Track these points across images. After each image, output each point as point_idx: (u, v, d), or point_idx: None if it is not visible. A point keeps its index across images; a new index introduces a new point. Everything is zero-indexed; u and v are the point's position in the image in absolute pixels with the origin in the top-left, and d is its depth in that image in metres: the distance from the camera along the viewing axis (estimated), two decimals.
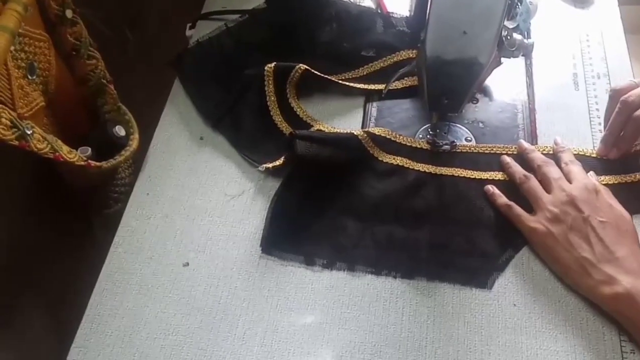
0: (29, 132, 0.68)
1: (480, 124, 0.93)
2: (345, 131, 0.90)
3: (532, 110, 0.94)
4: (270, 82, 0.94)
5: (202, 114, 0.96)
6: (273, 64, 0.94)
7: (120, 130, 0.87)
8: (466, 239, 0.81)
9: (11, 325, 0.81)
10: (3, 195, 0.79)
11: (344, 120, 0.95)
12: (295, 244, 0.81)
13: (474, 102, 0.95)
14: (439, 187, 0.85)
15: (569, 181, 0.80)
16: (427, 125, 0.92)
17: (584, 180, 0.79)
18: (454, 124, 0.92)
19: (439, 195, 0.84)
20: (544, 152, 0.87)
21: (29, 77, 0.74)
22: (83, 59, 0.83)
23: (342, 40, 1.00)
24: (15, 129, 0.66)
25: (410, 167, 0.87)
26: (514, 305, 0.76)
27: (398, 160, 0.87)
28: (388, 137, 0.89)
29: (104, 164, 0.82)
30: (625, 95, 0.83)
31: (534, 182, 0.81)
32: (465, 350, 0.73)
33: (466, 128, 0.92)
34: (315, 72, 0.95)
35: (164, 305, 0.78)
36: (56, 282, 0.88)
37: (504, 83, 0.97)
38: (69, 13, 0.78)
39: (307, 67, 0.94)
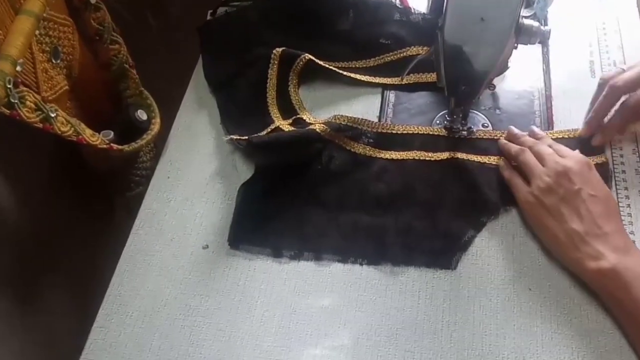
0: (53, 115, 0.69)
1: (497, 111, 0.93)
2: (315, 120, 0.91)
3: (548, 98, 0.94)
4: (275, 65, 0.95)
5: (206, 77, 0.98)
6: (281, 49, 0.95)
7: (142, 115, 0.88)
8: (428, 221, 0.81)
9: (33, 304, 0.82)
10: (27, 177, 0.81)
11: (362, 104, 0.95)
12: (261, 237, 0.82)
13: (491, 88, 0.95)
14: (400, 172, 0.86)
15: (561, 157, 0.80)
16: (444, 112, 0.92)
17: (577, 154, 0.80)
18: (471, 111, 0.91)
19: (401, 180, 0.85)
20: (557, 137, 0.87)
21: (53, 61, 0.75)
22: (106, 43, 0.84)
23: (358, 29, 1.00)
24: (40, 112, 0.67)
25: (373, 155, 0.88)
26: (530, 289, 0.76)
27: (360, 149, 0.88)
28: (350, 124, 0.89)
29: (125, 147, 0.83)
30: (613, 80, 0.83)
31: (529, 154, 0.82)
32: (480, 334, 0.73)
33: (483, 114, 0.93)
34: (320, 62, 0.96)
35: (183, 287, 0.78)
36: (78, 263, 0.90)
37: (521, 70, 0.97)
38: None
39: (311, 57, 0.95)
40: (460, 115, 0.88)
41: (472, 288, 0.77)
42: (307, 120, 0.92)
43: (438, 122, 0.92)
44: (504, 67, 0.89)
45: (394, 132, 0.90)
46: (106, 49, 0.84)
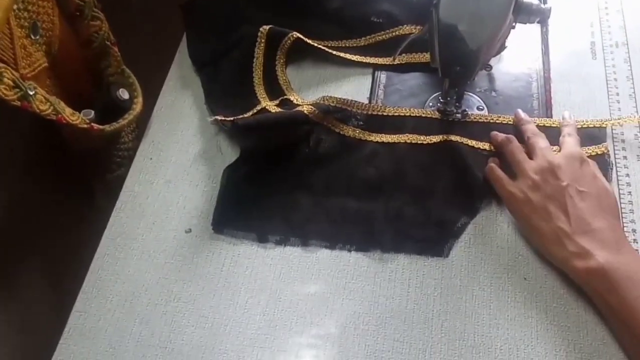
0: (31, 93, 0.67)
1: (493, 93, 0.91)
2: (302, 102, 0.89)
3: (547, 79, 0.92)
4: (261, 43, 0.94)
5: (191, 56, 0.97)
6: (268, 27, 0.94)
7: (123, 94, 0.86)
8: (420, 207, 0.80)
9: (12, 289, 0.81)
10: (4, 157, 0.79)
11: (352, 85, 0.93)
12: (246, 221, 0.80)
13: (487, 69, 0.92)
14: (391, 156, 0.84)
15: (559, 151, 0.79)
16: (438, 93, 0.90)
17: (572, 149, 0.78)
18: (466, 93, 0.89)
19: (392, 164, 0.84)
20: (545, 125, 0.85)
21: (32, 37, 0.73)
22: (87, 19, 0.82)
23: (348, 7, 0.98)
24: (18, 89, 0.66)
25: (363, 137, 0.86)
26: (525, 279, 0.74)
27: (349, 131, 0.86)
28: (339, 105, 0.88)
29: (107, 127, 0.81)
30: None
31: (515, 145, 0.80)
32: (472, 324, 0.72)
33: (478, 97, 0.90)
34: (309, 41, 0.94)
35: (165, 272, 0.77)
36: (57, 247, 0.89)
37: (519, 51, 0.95)
38: None
39: (300, 35, 0.94)
40: (455, 98, 0.86)
41: (465, 277, 0.75)
42: (295, 102, 0.90)
43: (431, 104, 0.90)
44: (501, 48, 0.87)
45: (385, 114, 0.88)
46: (87, 25, 0.82)
